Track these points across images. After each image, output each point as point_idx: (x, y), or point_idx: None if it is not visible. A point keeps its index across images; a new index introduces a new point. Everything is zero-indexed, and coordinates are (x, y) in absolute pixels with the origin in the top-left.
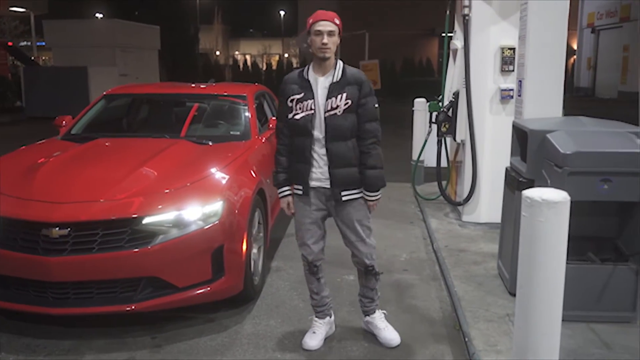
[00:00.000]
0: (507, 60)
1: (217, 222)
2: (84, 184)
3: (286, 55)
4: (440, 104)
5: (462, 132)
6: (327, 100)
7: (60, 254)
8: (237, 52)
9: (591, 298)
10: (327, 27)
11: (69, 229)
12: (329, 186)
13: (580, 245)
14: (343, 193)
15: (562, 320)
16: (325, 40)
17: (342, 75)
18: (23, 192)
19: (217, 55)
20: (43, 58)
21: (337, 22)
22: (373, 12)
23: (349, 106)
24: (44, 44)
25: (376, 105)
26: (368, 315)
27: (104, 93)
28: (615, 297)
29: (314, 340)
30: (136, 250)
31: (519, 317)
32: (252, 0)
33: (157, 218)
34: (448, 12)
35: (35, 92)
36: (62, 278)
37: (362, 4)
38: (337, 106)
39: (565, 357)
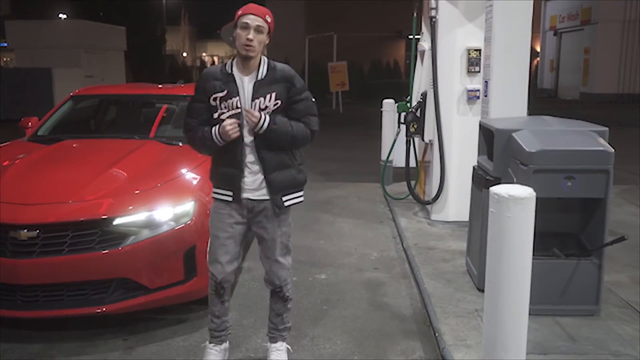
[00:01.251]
0: (474, 62)
1: (188, 222)
2: (52, 185)
3: None
4: (408, 104)
5: (430, 132)
6: (252, 101)
7: (29, 256)
8: (204, 54)
9: (556, 292)
10: (255, 21)
11: (37, 231)
12: (262, 197)
13: (546, 240)
14: (284, 198)
15: (529, 314)
16: (250, 36)
17: (267, 73)
18: None
19: (184, 57)
20: (5, 59)
21: (269, 19)
22: (341, 14)
23: (278, 107)
24: (5, 45)
25: (313, 100)
26: (270, 342)
27: (71, 94)
28: (580, 291)
29: None
30: (107, 251)
31: (488, 310)
32: (219, 2)
33: (128, 219)
34: (415, 14)
35: None
36: (31, 280)
37: (330, 6)
38: (266, 107)
39: (532, 350)
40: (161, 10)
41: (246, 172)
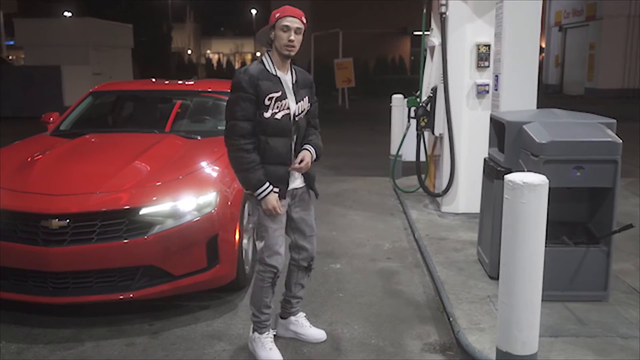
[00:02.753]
0: (483, 57)
1: (211, 212)
2: (80, 177)
3: (258, 54)
4: (418, 99)
5: (440, 126)
6: (296, 103)
7: (59, 244)
8: (208, 51)
9: (566, 279)
10: (295, 23)
11: (68, 220)
12: (300, 185)
13: (556, 229)
14: (316, 189)
15: (541, 300)
16: (292, 37)
17: (296, 76)
18: (21, 185)
19: (190, 54)
20: (10, 57)
21: (305, 21)
22: (346, 11)
23: (309, 109)
24: (12, 42)
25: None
26: (293, 315)
27: (91, 90)
28: (588, 277)
29: (277, 354)
30: (133, 240)
31: (504, 292)
32: None
33: (153, 209)
34: (425, 10)
35: (7, 91)
36: (62, 268)
37: (335, 2)
38: (304, 110)
39: (544, 333)
40: (167, 8)
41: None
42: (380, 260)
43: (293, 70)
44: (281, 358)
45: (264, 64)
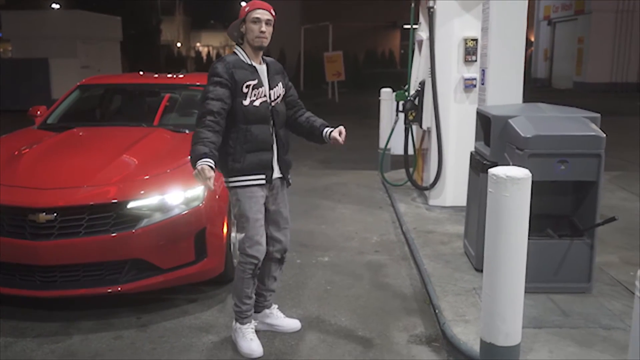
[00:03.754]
0: (470, 51)
1: (199, 205)
2: (68, 171)
3: None
4: (406, 93)
5: (428, 119)
6: (270, 89)
7: (47, 238)
8: (198, 44)
9: (550, 271)
10: (265, 15)
11: (55, 214)
12: (279, 175)
13: (540, 222)
14: (289, 178)
15: (525, 291)
16: (264, 29)
17: (267, 64)
18: (7, 179)
19: (179, 47)
20: None
21: (274, 13)
22: (336, 4)
23: (284, 94)
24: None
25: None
26: (267, 308)
27: (78, 83)
28: (572, 269)
29: (258, 345)
30: (121, 233)
31: (487, 283)
32: None
33: (141, 202)
34: (413, 4)
35: None
36: (50, 261)
37: None
38: (279, 95)
39: (527, 324)
40: (156, 0)
41: (273, 153)
42: (368, 253)
43: (263, 60)
44: (261, 349)
45: (237, 55)
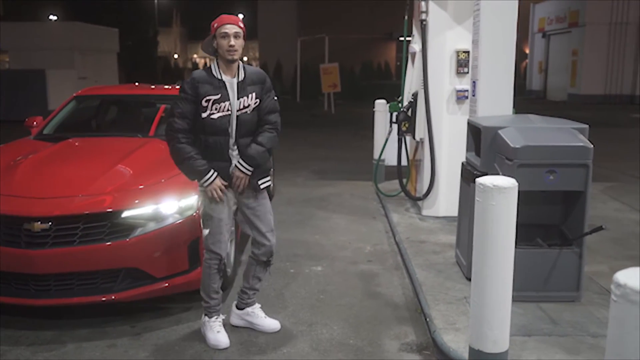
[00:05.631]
0: (462, 63)
1: (193, 215)
2: (63, 181)
3: (245, 58)
4: (400, 104)
5: (421, 130)
6: (238, 99)
7: (42, 247)
8: (195, 55)
9: (540, 280)
10: (233, 29)
11: (50, 223)
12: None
13: (530, 231)
14: (260, 182)
15: (515, 300)
16: (232, 42)
17: (245, 75)
18: (3, 188)
19: (176, 59)
20: None
21: (242, 25)
22: (332, 16)
23: (257, 105)
24: None
25: (275, 98)
26: (249, 307)
27: (74, 94)
28: (561, 278)
29: (224, 337)
30: (116, 242)
31: (475, 289)
32: (211, 3)
33: (136, 212)
34: (406, 17)
35: None
36: (44, 270)
37: (321, 8)
38: (248, 105)
39: (517, 332)
40: (153, 12)
41: (232, 161)
42: (361, 263)
43: (242, 71)
44: (227, 340)
45: (211, 70)
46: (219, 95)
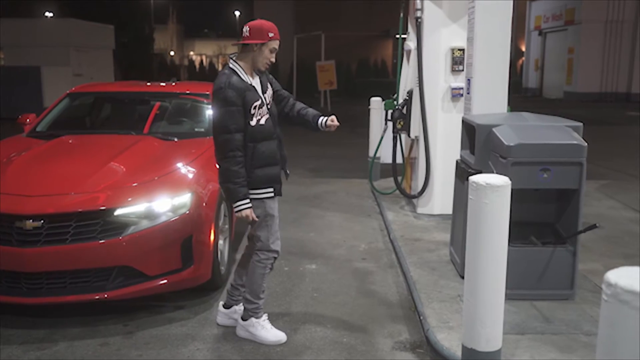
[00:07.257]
0: (457, 61)
1: (186, 213)
2: (55, 178)
3: None
4: (395, 102)
5: (416, 128)
6: (263, 94)
7: (33, 245)
8: (191, 53)
9: (533, 278)
10: (278, 46)
11: (42, 221)
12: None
13: (523, 229)
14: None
15: (508, 298)
16: (273, 59)
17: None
18: None
19: (172, 56)
20: None
21: None
22: (328, 13)
23: (272, 91)
24: None
25: None
26: (237, 305)
27: (68, 91)
28: (555, 276)
29: (279, 331)
30: (108, 240)
31: (469, 287)
32: (207, 0)
33: (128, 210)
34: (402, 14)
35: None
36: (36, 268)
37: (318, 5)
38: (270, 96)
39: (510, 330)
40: (149, 9)
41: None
42: (355, 261)
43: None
44: (284, 334)
45: (238, 75)
46: (259, 101)
